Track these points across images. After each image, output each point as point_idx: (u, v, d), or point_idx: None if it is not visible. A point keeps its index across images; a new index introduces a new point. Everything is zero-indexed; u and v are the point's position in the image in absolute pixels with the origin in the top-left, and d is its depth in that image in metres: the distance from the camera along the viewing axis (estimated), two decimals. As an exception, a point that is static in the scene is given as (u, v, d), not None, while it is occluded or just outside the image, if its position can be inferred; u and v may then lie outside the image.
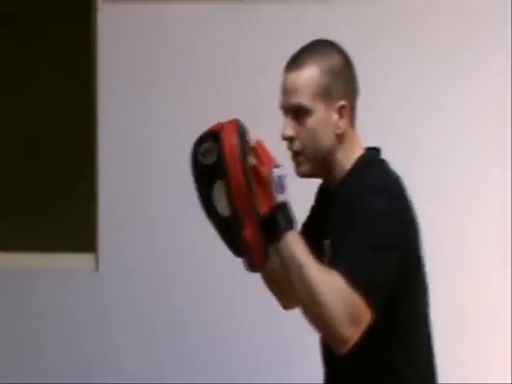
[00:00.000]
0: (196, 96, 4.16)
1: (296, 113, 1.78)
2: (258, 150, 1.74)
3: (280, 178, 1.72)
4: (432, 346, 1.92)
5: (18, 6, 4.07)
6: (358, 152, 1.85)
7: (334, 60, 1.80)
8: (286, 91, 1.79)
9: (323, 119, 1.79)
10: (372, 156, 1.87)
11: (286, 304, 2.08)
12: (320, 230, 1.83)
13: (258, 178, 1.73)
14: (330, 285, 1.64)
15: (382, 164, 1.85)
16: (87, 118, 4.11)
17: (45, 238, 4.31)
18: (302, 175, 1.85)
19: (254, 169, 1.73)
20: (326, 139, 1.81)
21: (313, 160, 1.84)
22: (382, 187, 1.77)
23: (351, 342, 1.63)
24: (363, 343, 1.69)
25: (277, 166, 1.73)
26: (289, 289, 1.92)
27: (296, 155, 1.82)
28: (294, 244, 1.70)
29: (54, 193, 4.41)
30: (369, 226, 1.69)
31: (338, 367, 1.86)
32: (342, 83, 1.81)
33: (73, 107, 4.24)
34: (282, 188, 1.72)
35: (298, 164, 1.83)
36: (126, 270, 4.31)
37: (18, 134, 4.32)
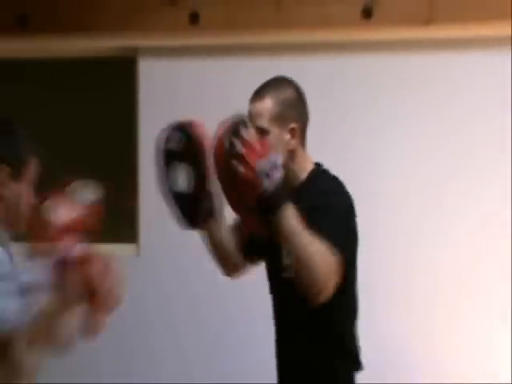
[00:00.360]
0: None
1: (258, 132, 2.15)
2: (247, 143, 1.99)
3: (271, 163, 1.98)
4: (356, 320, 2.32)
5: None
6: (310, 165, 2.27)
7: (287, 93, 2.25)
8: (251, 116, 2.21)
9: (277, 138, 2.20)
10: (321, 168, 2.30)
11: (230, 272, 2.51)
12: None
13: (246, 166, 1.96)
14: (319, 249, 1.98)
15: (329, 174, 2.28)
16: (131, 137, 4.55)
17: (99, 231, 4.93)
18: None
19: (242, 157, 1.97)
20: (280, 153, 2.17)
21: None
22: (333, 178, 2.25)
23: (327, 295, 1.98)
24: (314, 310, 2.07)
25: (264, 156, 1.98)
26: (233, 257, 2.42)
27: None
28: (288, 220, 1.99)
29: (106, 196, 5.13)
30: (334, 216, 2.09)
31: (290, 329, 2.28)
32: (293, 111, 2.23)
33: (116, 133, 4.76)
34: (270, 174, 1.96)
35: None
36: (163, 257, 4.78)
37: (78, 152, 4.74)
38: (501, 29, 3.82)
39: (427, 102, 4.18)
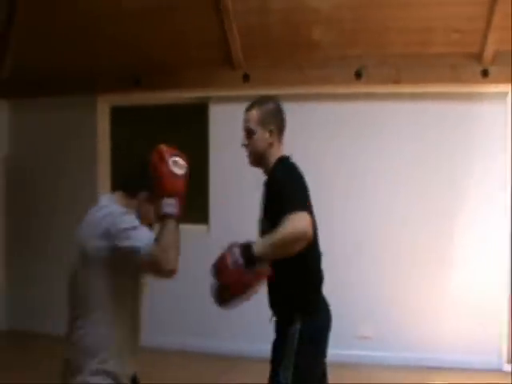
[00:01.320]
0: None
1: (248, 132, 2.74)
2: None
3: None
4: (319, 271, 2.76)
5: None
6: (278, 155, 2.76)
7: (268, 106, 2.76)
8: (244, 121, 2.75)
9: (260, 136, 2.73)
10: (284, 157, 2.76)
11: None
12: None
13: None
14: (281, 232, 2.43)
15: (288, 160, 2.76)
16: (204, 155, 5.78)
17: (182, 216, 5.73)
18: (251, 164, 2.80)
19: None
20: (261, 147, 2.73)
21: (254, 157, 2.77)
22: (288, 165, 2.74)
23: (310, 233, 2.43)
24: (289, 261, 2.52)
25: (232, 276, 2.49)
26: None
27: (248, 154, 2.78)
28: (261, 245, 2.50)
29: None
30: (286, 183, 2.57)
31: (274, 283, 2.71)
32: (273, 118, 2.75)
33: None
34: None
35: (248, 158, 2.78)
36: (227, 234, 4.80)
37: None
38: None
39: (397, 136, 5.41)
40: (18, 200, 6.47)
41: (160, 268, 2.24)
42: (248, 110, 2.76)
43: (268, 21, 5.34)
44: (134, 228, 2.32)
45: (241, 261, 2.45)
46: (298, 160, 5.18)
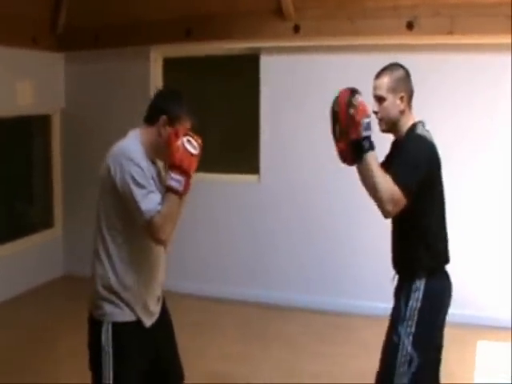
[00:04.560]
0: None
1: (378, 99, 2.75)
2: (358, 106, 2.54)
3: (368, 123, 2.52)
4: (444, 240, 2.79)
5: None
6: (411, 122, 2.76)
7: (398, 73, 2.77)
8: (374, 88, 2.77)
9: (391, 102, 2.73)
10: (417, 124, 2.75)
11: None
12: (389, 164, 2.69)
13: (353, 122, 2.52)
14: (385, 182, 2.51)
15: (420, 129, 2.72)
16: (255, 105, 5.87)
17: (234, 166, 6.15)
18: (382, 131, 2.81)
19: (352, 116, 2.53)
20: (393, 113, 2.74)
21: (386, 123, 2.78)
22: (418, 138, 2.70)
23: (392, 214, 2.55)
24: (405, 224, 2.64)
25: (367, 117, 2.54)
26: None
27: (379, 120, 2.79)
28: (371, 159, 2.54)
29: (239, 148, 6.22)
30: (408, 156, 2.62)
31: (394, 242, 2.84)
32: (403, 85, 2.74)
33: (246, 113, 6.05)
34: (367, 129, 2.50)
35: (379, 125, 2.79)
36: (277, 185, 5.88)
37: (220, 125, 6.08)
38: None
39: (446, 90, 5.29)
40: (74, 150, 6.67)
41: (154, 236, 2.43)
42: (378, 76, 2.78)
43: (319, -30, 5.26)
44: (142, 188, 2.44)
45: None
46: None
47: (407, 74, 2.78)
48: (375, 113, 2.73)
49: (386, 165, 2.68)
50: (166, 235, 2.43)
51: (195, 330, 5.07)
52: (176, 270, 5.64)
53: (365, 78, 5.02)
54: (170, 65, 6.34)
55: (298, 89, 5.80)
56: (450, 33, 5.08)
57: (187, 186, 2.45)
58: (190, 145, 2.43)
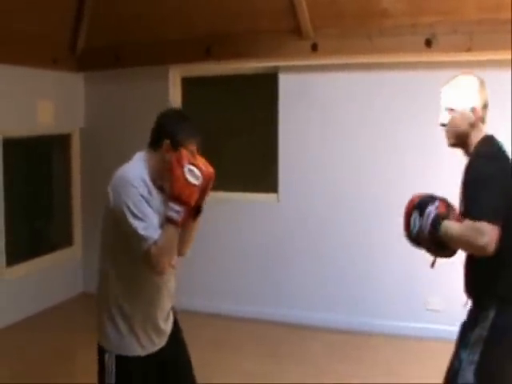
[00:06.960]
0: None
1: (448, 111, 2.58)
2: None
3: (414, 219, 2.51)
4: None
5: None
6: (480, 136, 2.54)
7: (471, 82, 2.59)
8: (443, 99, 2.63)
9: (461, 114, 2.56)
10: (488, 137, 2.53)
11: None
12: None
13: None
14: (467, 230, 2.32)
15: (492, 144, 2.49)
16: (273, 123, 5.88)
17: (252, 185, 6.16)
18: (449, 146, 2.63)
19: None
20: (462, 126, 2.55)
21: (455, 137, 2.60)
22: (490, 156, 2.44)
23: (491, 247, 2.26)
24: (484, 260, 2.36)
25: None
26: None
27: (446, 133, 2.61)
28: (445, 232, 2.44)
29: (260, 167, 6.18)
30: (481, 185, 2.34)
31: (468, 276, 2.63)
32: (474, 95, 2.57)
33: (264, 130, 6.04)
34: (426, 223, 2.45)
35: (447, 138, 2.59)
36: (295, 204, 5.87)
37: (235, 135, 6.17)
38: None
39: None
40: (93, 169, 6.69)
41: (151, 266, 2.36)
42: (448, 87, 2.64)
43: (337, -11, 5.28)
44: (142, 217, 2.37)
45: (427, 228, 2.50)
46: (371, 127, 5.32)
47: (482, 85, 2.62)
48: (443, 125, 2.61)
49: (462, 187, 2.54)
50: (161, 267, 2.37)
51: (213, 347, 5.11)
52: (201, 288, 5.80)
53: (383, 95, 5.39)
54: (188, 84, 6.37)
55: (316, 107, 5.82)
56: (469, 50, 5.06)
57: (186, 215, 2.38)
58: (192, 174, 2.34)
